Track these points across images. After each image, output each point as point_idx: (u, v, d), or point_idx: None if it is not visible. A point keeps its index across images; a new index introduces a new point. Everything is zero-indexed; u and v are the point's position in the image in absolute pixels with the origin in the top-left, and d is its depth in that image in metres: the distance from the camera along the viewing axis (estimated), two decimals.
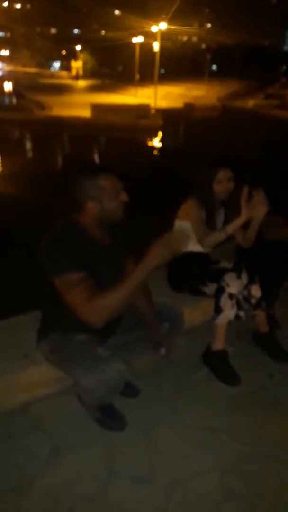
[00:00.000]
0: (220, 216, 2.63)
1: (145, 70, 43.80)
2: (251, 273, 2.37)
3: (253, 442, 1.93)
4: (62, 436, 1.90)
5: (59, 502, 1.64)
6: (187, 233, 1.68)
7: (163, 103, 30.64)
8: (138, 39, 40.52)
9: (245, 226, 2.51)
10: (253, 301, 2.35)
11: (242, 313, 2.29)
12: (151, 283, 2.05)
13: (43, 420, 1.98)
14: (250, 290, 2.36)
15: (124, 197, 1.77)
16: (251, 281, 2.36)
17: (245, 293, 2.35)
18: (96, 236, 1.79)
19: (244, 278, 2.34)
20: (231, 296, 2.25)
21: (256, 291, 2.36)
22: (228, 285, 2.26)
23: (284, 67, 40.59)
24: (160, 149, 15.49)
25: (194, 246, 2.53)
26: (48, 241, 1.70)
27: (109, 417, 1.94)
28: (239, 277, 2.30)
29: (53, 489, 1.68)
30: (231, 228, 2.34)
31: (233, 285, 2.26)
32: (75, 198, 1.74)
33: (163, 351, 1.90)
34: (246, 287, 2.35)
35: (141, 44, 41.13)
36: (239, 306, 2.28)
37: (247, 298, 2.36)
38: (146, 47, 42.60)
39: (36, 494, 1.66)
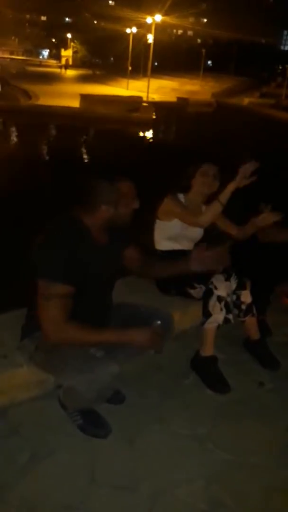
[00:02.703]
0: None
1: (138, 62, 43.52)
2: (241, 278, 2.31)
3: (240, 451, 1.88)
4: (41, 442, 1.83)
5: (37, 510, 1.57)
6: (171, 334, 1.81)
7: (155, 97, 30.51)
8: (131, 30, 40.15)
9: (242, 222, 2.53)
10: (243, 307, 2.30)
11: (231, 316, 2.24)
12: (139, 284, 1.99)
13: (22, 425, 1.90)
14: (239, 296, 2.30)
15: (137, 204, 1.77)
16: (240, 287, 2.30)
17: (234, 298, 2.30)
18: (97, 237, 1.75)
19: (233, 281, 2.29)
20: (219, 299, 2.19)
21: (246, 297, 2.31)
22: (216, 287, 2.21)
23: (280, 67, 40.66)
24: (152, 144, 15.36)
25: (176, 244, 2.48)
26: (47, 238, 1.65)
27: (92, 423, 1.87)
28: (227, 279, 2.24)
29: (31, 496, 1.61)
30: (224, 196, 2.35)
31: (221, 287, 2.21)
32: (89, 198, 1.70)
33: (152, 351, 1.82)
34: (235, 292, 2.30)
35: (134, 35, 40.84)
36: (227, 309, 2.22)
37: (236, 304, 2.31)
38: (139, 39, 42.31)
39: (13, 501, 1.59)
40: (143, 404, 2.08)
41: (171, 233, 2.53)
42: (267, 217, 2.45)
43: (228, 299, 2.24)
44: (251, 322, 2.42)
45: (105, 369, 1.63)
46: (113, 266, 1.89)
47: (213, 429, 1.98)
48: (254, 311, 2.37)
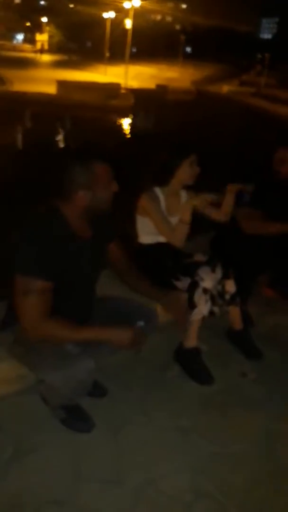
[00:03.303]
0: (182, 201, 2.54)
1: (116, 47, 42.86)
2: (226, 267, 2.31)
3: (225, 442, 1.90)
4: (25, 437, 1.80)
5: (23, 506, 1.55)
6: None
7: (134, 83, 30.15)
8: (109, 15, 39.43)
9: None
10: (227, 296, 2.30)
11: (216, 309, 2.23)
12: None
13: (4, 421, 1.87)
14: (224, 285, 2.30)
15: (115, 187, 1.68)
16: (225, 276, 2.30)
17: (219, 288, 2.30)
18: (78, 229, 1.67)
19: (219, 272, 2.28)
20: (205, 290, 2.18)
21: (230, 287, 2.31)
22: (202, 279, 2.19)
23: (260, 55, 40.71)
24: (131, 132, 15.19)
25: (159, 237, 2.47)
26: (23, 232, 1.57)
27: (75, 418, 1.85)
28: (213, 271, 2.23)
29: (16, 493, 1.59)
30: (186, 216, 2.31)
31: (208, 279, 2.19)
32: (64, 185, 1.62)
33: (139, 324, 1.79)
34: (220, 282, 2.30)
35: (112, 20, 40.11)
36: (213, 301, 2.22)
37: (221, 294, 2.31)
38: (117, 24, 41.60)
39: None
40: (127, 397, 2.08)
41: (153, 228, 2.45)
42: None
43: (214, 292, 2.23)
44: (234, 311, 2.43)
45: (80, 365, 1.59)
46: (98, 259, 1.83)
47: (198, 421, 1.99)
48: (238, 300, 2.38)
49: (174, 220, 2.41)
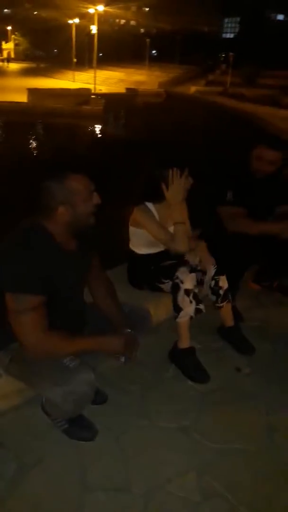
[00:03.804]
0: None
1: (82, 53, 42.81)
2: (220, 263, 2.34)
3: (226, 438, 1.91)
4: (28, 451, 1.78)
5: None
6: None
7: (103, 88, 30.17)
8: (74, 21, 39.36)
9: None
10: (221, 292, 2.33)
11: (201, 306, 2.25)
12: (113, 280, 1.96)
13: (6, 436, 1.84)
14: (218, 281, 2.33)
15: (96, 199, 1.62)
16: (219, 272, 2.33)
17: (213, 283, 2.33)
18: (63, 244, 1.63)
19: (212, 268, 2.32)
20: (187, 292, 2.20)
21: (224, 282, 2.34)
22: (182, 281, 2.20)
23: (223, 54, 41.30)
24: (105, 137, 15.15)
25: (155, 248, 2.46)
26: (7, 250, 1.52)
27: (77, 427, 1.83)
28: (191, 271, 2.24)
29: (23, 508, 1.57)
30: (178, 216, 2.26)
31: (187, 280, 2.20)
32: (43, 202, 1.56)
33: (123, 358, 1.78)
34: (214, 278, 2.32)
35: (77, 26, 40.03)
36: (197, 300, 2.23)
37: (214, 290, 2.34)
38: (82, 30, 41.55)
39: None
40: (126, 401, 2.07)
41: (149, 239, 2.40)
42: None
43: (196, 290, 2.24)
44: (227, 308, 2.46)
45: (80, 379, 1.57)
46: (83, 271, 1.80)
47: (198, 420, 2.00)
48: (230, 297, 2.41)
49: (170, 229, 2.37)
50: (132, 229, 2.46)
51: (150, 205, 2.37)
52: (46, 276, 1.53)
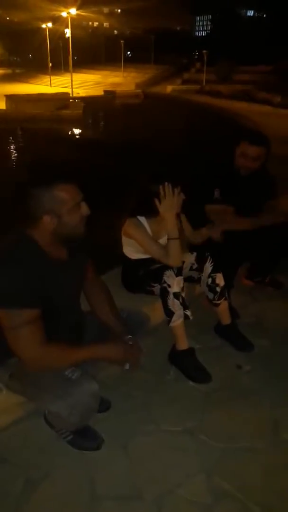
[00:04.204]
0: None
1: (57, 57, 42.59)
2: (216, 260, 2.35)
3: (232, 437, 1.90)
4: (33, 466, 1.74)
5: None
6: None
7: (80, 92, 30.08)
8: (47, 25, 39.16)
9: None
10: (218, 289, 2.34)
11: (189, 312, 2.23)
12: (109, 284, 1.94)
13: (10, 452, 1.80)
14: (215, 279, 2.33)
15: (85, 210, 1.55)
16: (215, 269, 2.34)
17: (210, 281, 2.33)
18: (52, 253, 1.57)
19: (209, 265, 2.33)
20: (175, 295, 2.20)
21: (220, 280, 2.35)
22: (169, 285, 2.20)
23: (196, 52, 41.53)
24: (87, 141, 15.04)
25: (141, 255, 2.44)
26: None
27: (83, 437, 1.80)
28: (177, 274, 2.22)
29: None
30: (172, 232, 2.22)
31: (174, 283, 2.20)
32: (28, 210, 1.50)
33: (127, 365, 1.76)
34: (211, 275, 2.33)
35: (50, 30, 39.83)
36: (184, 305, 2.22)
37: (212, 287, 2.34)
38: (55, 33, 41.36)
39: None
40: (130, 407, 2.05)
41: (139, 247, 2.39)
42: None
43: (183, 294, 2.23)
44: (224, 305, 2.46)
45: (84, 391, 1.54)
46: (78, 280, 1.77)
47: (203, 420, 1.99)
48: (226, 294, 2.41)
49: (162, 241, 2.37)
50: (125, 239, 2.44)
51: (142, 219, 2.35)
52: (38, 288, 1.49)
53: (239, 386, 2.22)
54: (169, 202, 2.20)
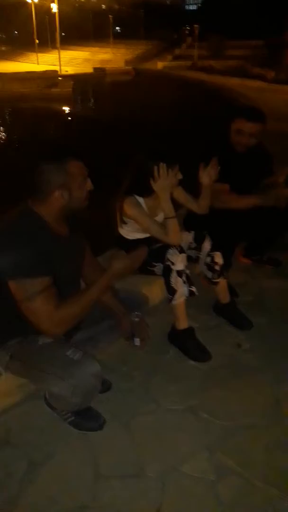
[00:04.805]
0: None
1: (44, 34, 41.48)
2: (215, 239, 2.35)
3: (234, 415, 1.91)
4: (36, 448, 1.74)
5: None
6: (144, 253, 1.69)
7: (69, 69, 29.42)
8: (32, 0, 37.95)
9: (197, 194, 2.45)
10: (217, 268, 2.33)
11: (194, 289, 2.23)
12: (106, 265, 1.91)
13: (12, 434, 1.80)
14: (213, 257, 2.32)
15: (89, 185, 1.63)
16: (214, 248, 2.34)
17: (209, 260, 2.31)
18: (55, 228, 1.61)
19: (207, 244, 2.33)
20: (179, 273, 2.18)
21: (219, 258, 2.34)
22: (172, 263, 2.18)
23: (188, 27, 40.60)
24: (81, 120, 14.71)
25: (139, 235, 2.42)
26: (4, 235, 1.50)
27: (85, 418, 1.80)
28: (181, 251, 2.21)
29: (39, 505, 1.55)
30: (168, 211, 2.20)
31: (178, 261, 2.18)
32: (38, 186, 1.55)
33: (137, 341, 1.78)
34: (209, 254, 2.32)
35: (36, 5, 38.63)
36: (189, 281, 2.22)
37: (210, 266, 2.32)
38: (41, 9, 40.20)
39: None
40: (131, 387, 2.05)
41: (136, 227, 2.37)
42: (209, 172, 2.38)
43: (187, 271, 2.22)
44: (223, 284, 2.45)
45: (86, 371, 1.55)
46: (79, 257, 1.79)
47: (204, 398, 1.99)
48: (225, 273, 2.40)
49: (159, 218, 2.36)
50: (119, 217, 2.40)
51: (141, 200, 2.32)
52: (46, 260, 1.51)
53: (239, 364, 2.23)
54: (164, 182, 2.16)
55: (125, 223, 2.40)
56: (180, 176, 2.25)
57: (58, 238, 1.61)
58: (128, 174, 2.31)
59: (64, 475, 1.64)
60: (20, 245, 1.49)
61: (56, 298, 1.53)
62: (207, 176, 2.38)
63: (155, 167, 2.15)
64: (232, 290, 2.65)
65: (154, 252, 2.31)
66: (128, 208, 2.28)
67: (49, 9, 35.37)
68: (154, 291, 2.54)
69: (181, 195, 2.47)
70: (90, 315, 1.81)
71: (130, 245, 2.44)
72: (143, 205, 2.31)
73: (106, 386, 1.98)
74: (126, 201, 2.28)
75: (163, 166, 2.14)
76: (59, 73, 22.57)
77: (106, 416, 1.84)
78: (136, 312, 1.81)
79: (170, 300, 2.23)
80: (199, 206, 2.48)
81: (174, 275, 2.18)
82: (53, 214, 1.60)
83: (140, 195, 2.30)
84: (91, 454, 1.72)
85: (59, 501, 1.55)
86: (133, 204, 2.28)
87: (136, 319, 1.85)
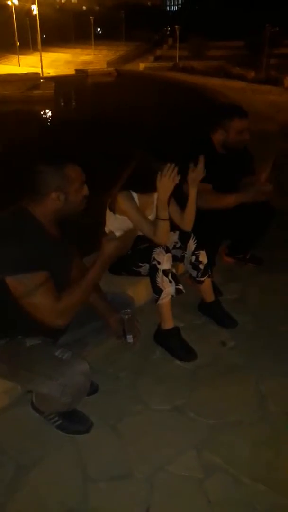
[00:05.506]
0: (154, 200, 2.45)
1: (25, 36, 41.21)
2: (199, 238, 2.37)
3: (220, 413, 1.93)
4: (24, 452, 1.73)
5: None
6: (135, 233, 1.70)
7: (50, 71, 29.29)
8: (13, 1, 37.66)
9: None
10: (201, 266, 2.35)
11: (181, 286, 2.25)
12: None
13: None
14: (198, 256, 2.34)
15: (86, 190, 1.65)
16: (199, 247, 2.36)
17: (193, 259, 2.33)
18: (49, 230, 1.62)
19: (192, 243, 2.35)
20: (165, 272, 2.20)
21: (203, 257, 2.36)
22: (159, 262, 2.20)
23: (168, 28, 40.74)
24: (63, 122, 14.63)
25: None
26: (1, 233, 1.51)
27: (71, 421, 1.80)
28: (167, 251, 2.23)
29: (27, 510, 1.54)
30: (162, 213, 2.19)
31: (164, 260, 2.20)
32: (36, 187, 1.56)
33: (130, 338, 1.80)
34: (194, 253, 2.34)
35: (16, 7, 38.33)
36: (176, 280, 2.23)
37: (195, 265, 2.34)
38: (21, 11, 39.94)
39: None
40: (117, 388, 2.06)
41: (126, 225, 2.34)
42: (196, 172, 2.38)
43: (173, 270, 2.24)
44: (207, 283, 2.47)
45: (75, 370, 1.55)
46: (70, 259, 1.79)
47: (190, 398, 2.01)
48: (210, 272, 2.42)
49: (150, 217, 2.36)
50: (109, 213, 2.41)
51: (135, 195, 2.33)
52: (43, 257, 1.52)
53: (225, 362, 2.25)
54: (168, 182, 2.15)
55: (113, 219, 2.40)
56: (177, 180, 2.20)
57: (52, 241, 1.62)
58: (126, 170, 2.31)
59: (52, 479, 1.64)
60: (18, 241, 1.50)
61: (55, 289, 1.55)
62: (196, 174, 2.38)
63: (166, 167, 2.12)
64: (216, 289, 2.67)
65: (141, 252, 2.32)
66: (122, 201, 2.28)
67: (30, 11, 35.17)
68: (139, 292, 2.55)
69: (173, 205, 2.44)
70: (76, 318, 1.82)
71: None
72: (136, 201, 2.32)
73: (93, 388, 1.98)
74: (120, 194, 2.28)
75: (172, 166, 2.12)
76: (41, 75, 22.37)
77: (94, 418, 1.84)
78: (126, 310, 1.82)
79: (156, 300, 2.24)
80: (182, 221, 2.45)
81: (160, 274, 2.19)
82: (48, 216, 1.61)
83: (136, 191, 2.31)
84: (79, 457, 1.72)
85: (48, 505, 1.55)
86: (128, 197, 2.29)
87: (127, 316, 1.86)
